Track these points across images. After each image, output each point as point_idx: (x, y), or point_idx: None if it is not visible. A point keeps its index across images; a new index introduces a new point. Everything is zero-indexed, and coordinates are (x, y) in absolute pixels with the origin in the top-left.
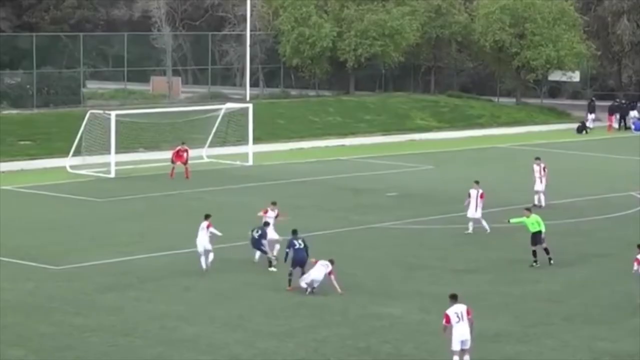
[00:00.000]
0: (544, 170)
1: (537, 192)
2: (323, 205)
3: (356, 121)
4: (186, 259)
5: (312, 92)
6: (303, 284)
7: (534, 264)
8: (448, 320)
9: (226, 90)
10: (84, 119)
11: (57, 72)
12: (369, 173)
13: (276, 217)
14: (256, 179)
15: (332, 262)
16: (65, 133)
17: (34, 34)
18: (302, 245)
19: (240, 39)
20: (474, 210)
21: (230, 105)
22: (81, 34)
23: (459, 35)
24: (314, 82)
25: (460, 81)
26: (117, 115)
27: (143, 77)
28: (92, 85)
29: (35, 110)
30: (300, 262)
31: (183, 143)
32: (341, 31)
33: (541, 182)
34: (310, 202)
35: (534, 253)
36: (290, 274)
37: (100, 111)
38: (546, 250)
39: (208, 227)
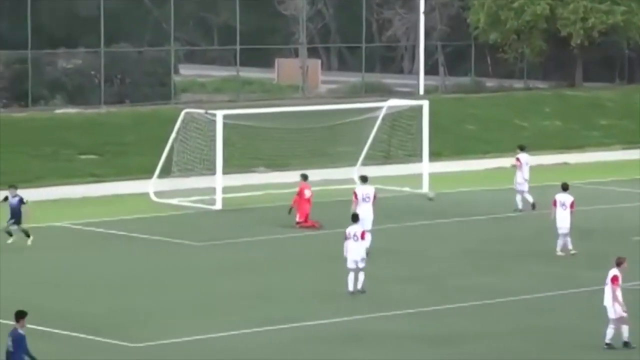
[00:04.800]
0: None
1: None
2: (533, 253)
3: (585, 127)
4: (320, 332)
5: (518, 84)
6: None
7: None
8: None
9: (389, 79)
10: (175, 121)
11: (136, 51)
12: (605, 206)
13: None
14: (434, 213)
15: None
16: (147, 143)
17: None
18: None
19: (410, 2)
20: None
21: (394, 102)
22: None
23: None
24: (520, 68)
25: None
26: (225, 117)
27: (264, 60)
28: (187, 72)
29: (104, 109)
30: None
31: (305, 178)
32: None
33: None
34: (515, 248)
35: None
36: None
37: (201, 111)
38: None
39: (362, 236)
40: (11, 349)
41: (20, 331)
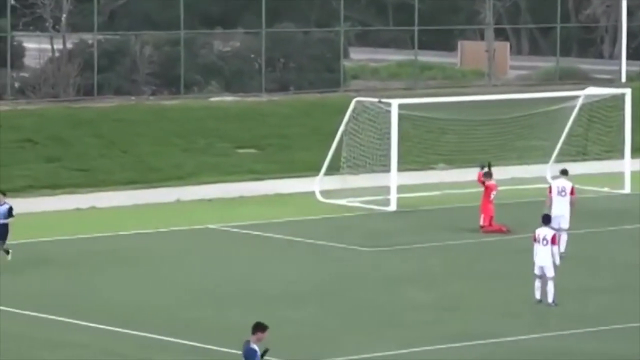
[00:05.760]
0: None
1: None
2: None
3: None
4: (506, 351)
5: None
6: None
7: None
8: None
9: (587, 65)
10: (345, 111)
11: (302, 32)
12: None
13: None
14: (636, 217)
15: None
16: (313, 136)
17: None
18: None
19: None
20: None
21: (593, 90)
22: None
23: None
24: None
25: None
26: (401, 107)
27: (445, 43)
28: (359, 55)
29: (265, 97)
30: None
31: (489, 168)
32: None
33: None
34: None
35: None
36: None
37: (374, 99)
38: None
39: (553, 240)
40: None
41: (253, 345)
